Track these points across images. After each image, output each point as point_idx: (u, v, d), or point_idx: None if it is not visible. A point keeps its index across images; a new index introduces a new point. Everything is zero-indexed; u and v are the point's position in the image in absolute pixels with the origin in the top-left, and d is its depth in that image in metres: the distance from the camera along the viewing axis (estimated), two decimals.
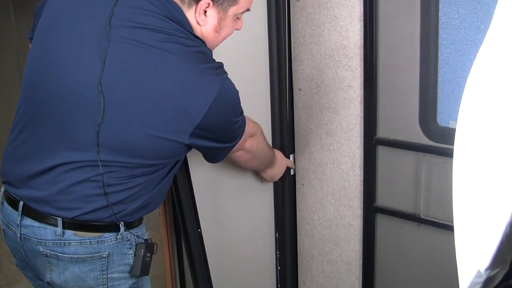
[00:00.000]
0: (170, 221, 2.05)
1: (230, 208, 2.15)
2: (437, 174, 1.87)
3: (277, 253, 2.34)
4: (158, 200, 1.53)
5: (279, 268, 2.35)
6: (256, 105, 2.15)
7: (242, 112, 1.51)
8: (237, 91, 1.44)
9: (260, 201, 2.26)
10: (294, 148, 2.21)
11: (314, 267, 2.29)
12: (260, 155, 1.88)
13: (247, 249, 2.26)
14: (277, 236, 2.32)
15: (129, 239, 1.46)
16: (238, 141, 1.55)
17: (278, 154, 2.09)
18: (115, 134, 1.34)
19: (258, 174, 2.21)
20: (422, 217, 1.94)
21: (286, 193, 2.27)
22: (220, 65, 1.42)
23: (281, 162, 2.10)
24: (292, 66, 2.12)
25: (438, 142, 1.84)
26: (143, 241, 1.48)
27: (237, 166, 1.93)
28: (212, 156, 1.56)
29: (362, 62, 1.92)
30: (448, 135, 1.78)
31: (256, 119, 2.16)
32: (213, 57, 1.46)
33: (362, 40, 1.90)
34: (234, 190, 2.15)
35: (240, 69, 2.04)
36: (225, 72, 1.41)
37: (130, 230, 1.45)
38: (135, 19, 1.35)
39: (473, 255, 0.83)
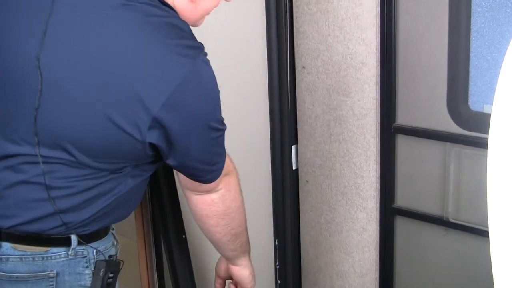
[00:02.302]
0: (148, 226, 2.04)
1: None
2: (468, 168, 1.87)
3: (277, 264, 2.33)
4: (122, 210, 1.46)
5: (279, 282, 2.35)
6: (250, 87, 2.14)
7: (223, 121, 1.37)
8: (216, 87, 1.34)
9: (256, 202, 2.25)
10: (297, 138, 2.21)
11: (321, 280, 2.29)
12: (236, 212, 1.58)
13: None
14: (277, 243, 2.32)
15: (86, 256, 1.41)
16: (218, 169, 1.42)
17: None
18: (57, 121, 1.28)
19: (254, 169, 2.20)
20: (451, 220, 1.95)
21: (287, 192, 2.27)
22: (199, 45, 1.33)
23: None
24: (294, 40, 2.12)
25: (470, 130, 1.84)
26: (104, 258, 1.43)
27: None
28: (187, 171, 1.41)
29: (379, 35, 1.91)
30: (481, 122, 1.78)
31: (251, 103, 2.15)
32: (196, 33, 1.40)
33: (379, 8, 1.89)
34: None
35: (231, 44, 2.02)
36: (204, 56, 1.32)
37: (90, 244, 1.41)
38: None
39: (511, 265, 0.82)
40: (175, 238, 1.86)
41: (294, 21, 2.10)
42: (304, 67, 2.11)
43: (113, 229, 1.52)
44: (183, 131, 1.30)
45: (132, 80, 1.25)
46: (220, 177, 1.45)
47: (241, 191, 1.59)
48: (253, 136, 2.19)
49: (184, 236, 1.88)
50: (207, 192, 1.49)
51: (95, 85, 1.25)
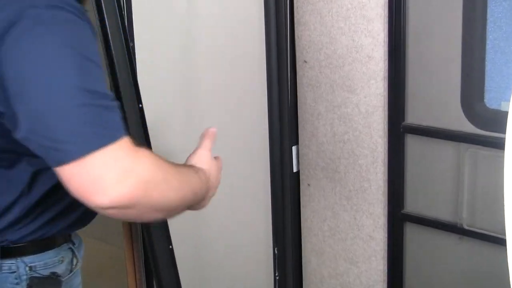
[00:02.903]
0: (136, 233, 2.03)
1: (216, 217, 2.13)
2: (484, 171, 1.87)
3: (276, 274, 2.33)
4: (46, 219, 1.36)
5: None
6: (248, 82, 2.13)
7: (107, 95, 1.13)
8: (87, 41, 1.13)
9: (253, 207, 2.26)
10: (298, 138, 2.21)
11: None
12: (169, 198, 1.23)
13: (238, 270, 2.24)
14: (276, 252, 2.32)
15: (15, 271, 1.36)
16: (71, 150, 1.07)
17: (198, 169, 1.40)
18: None
19: (252, 172, 2.19)
20: (465, 227, 1.94)
21: (287, 197, 2.27)
22: (72, 3, 1.15)
23: (212, 172, 1.45)
24: (295, 32, 2.11)
25: (486, 130, 1.85)
26: (39, 275, 1.38)
27: (224, 160, 1.87)
28: (29, 144, 1.12)
29: (387, 26, 1.92)
30: (498, 120, 1.75)
31: (248, 100, 2.14)
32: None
33: None
34: (221, 193, 2.12)
35: (227, 37, 2.03)
36: (68, 12, 1.13)
37: (20, 258, 1.36)
38: None
39: None
40: (161, 248, 1.85)
41: (294, 11, 2.10)
42: (305, 61, 2.11)
43: (73, 244, 1.45)
44: (13, 88, 1.10)
45: None
46: (109, 188, 1.10)
47: (165, 171, 1.20)
48: (251, 136, 2.18)
49: (170, 247, 1.87)
50: (109, 207, 1.12)
51: None
